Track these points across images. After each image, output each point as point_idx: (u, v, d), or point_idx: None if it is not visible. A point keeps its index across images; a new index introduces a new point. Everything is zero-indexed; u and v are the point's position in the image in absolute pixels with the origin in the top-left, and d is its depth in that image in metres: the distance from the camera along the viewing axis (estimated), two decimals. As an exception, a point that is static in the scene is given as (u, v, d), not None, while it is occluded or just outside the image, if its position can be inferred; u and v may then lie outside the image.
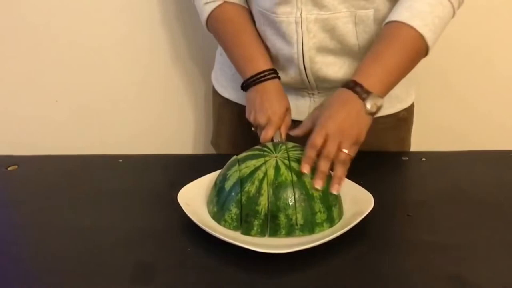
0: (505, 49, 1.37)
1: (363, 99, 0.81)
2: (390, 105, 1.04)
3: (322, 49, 0.95)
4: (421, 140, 1.17)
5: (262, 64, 0.95)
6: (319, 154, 0.78)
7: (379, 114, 0.84)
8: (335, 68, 0.97)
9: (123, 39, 1.33)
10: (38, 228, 0.82)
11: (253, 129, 0.96)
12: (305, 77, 0.99)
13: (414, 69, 0.90)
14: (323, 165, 0.77)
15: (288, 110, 0.94)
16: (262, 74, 0.94)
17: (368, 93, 0.81)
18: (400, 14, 0.86)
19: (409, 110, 1.12)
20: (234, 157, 0.82)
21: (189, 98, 1.43)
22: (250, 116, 0.95)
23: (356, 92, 0.81)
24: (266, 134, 0.90)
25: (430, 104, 1.21)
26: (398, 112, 1.07)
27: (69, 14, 1.29)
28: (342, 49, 0.96)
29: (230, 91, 1.13)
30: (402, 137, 1.13)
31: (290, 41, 0.94)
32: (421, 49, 0.87)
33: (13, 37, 1.31)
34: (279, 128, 0.92)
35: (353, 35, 0.94)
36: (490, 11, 1.31)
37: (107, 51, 1.34)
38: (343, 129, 0.79)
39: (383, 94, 0.84)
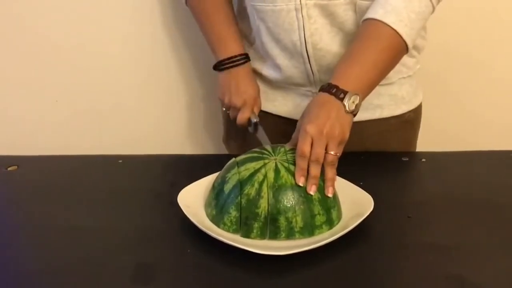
0: (505, 51, 1.37)
1: (341, 99, 0.81)
2: (396, 107, 1.04)
3: (324, 36, 0.95)
4: (421, 140, 1.17)
5: (235, 47, 1.02)
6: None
7: (384, 115, 0.84)
8: (339, 58, 0.97)
9: (124, 39, 1.33)
10: (38, 228, 0.82)
11: (224, 109, 1.07)
12: (308, 66, 0.98)
13: (422, 70, 0.89)
14: (314, 170, 0.76)
15: (259, 92, 1.04)
16: (235, 59, 1.01)
17: (344, 92, 0.81)
18: (375, 12, 0.85)
19: (416, 112, 1.11)
20: (233, 159, 0.82)
21: (198, 96, 1.43)
22: (225, 98, 1.03)
23: (332, 94, 0.82)
24: (243, 116, 1.01)
25: (431, 105, 1.21)
26: (404, 114, 1.06)
27: (70, 15, 1.29)
28: (345, 38, 0.95)
29: None
30: (408, 138, 1.12)
31: (291, 28, 0.94)
32: (399, 45, 0.86)
33: (13, 37, 1.30)
34: (252, 109, 1.02)
35: (353, 23, 0.93)
36: (492, 14, 1.31)
37: (108, 51, 1.34)
38: (326, 131, 0.78)
39: (362, 91, 0.83)
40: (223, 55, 1.02)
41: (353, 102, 0.81)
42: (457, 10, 1.25)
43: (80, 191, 0.93)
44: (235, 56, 1.01)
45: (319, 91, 0.85)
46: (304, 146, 0.77)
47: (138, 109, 1.41)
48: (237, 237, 0.75)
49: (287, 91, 1.06)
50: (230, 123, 1.21)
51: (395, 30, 0.84)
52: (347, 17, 0.93)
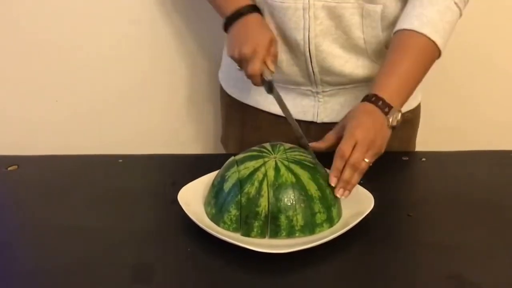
0: (505, 50, 1.37)
1: (386, 113, 0.83)
2: None
3: (328, 38, 0.95)
4: (422, 140, 1.17)
5: (242, 1, 0.95)
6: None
7: None
8: (341, 61, 0.97)
9: (125, 38, 1.33)
10: (38, 228, 0.82)
11: (237, 67, 0.95)
12: (310, 67, 0.98)
13: None
14: (348, 174, 0.77)
15: (273, 40, 0.92)
16: (242, 10, 0.94)
17: (389, 107, 0.83)
18: (410, 23, 0.87)
19: (415, 112, 1.11)
20: (232, 158, 0.82)
21: (197, 96, 1.43)
22: (235, 51, 0.91)
23: (378, 106, 0.83)
24: (253, 67, 0.88)
25: (432, 104, 1.21)
26: (403, 113, 1.07)
27: (69, 14, 1.29)
28: (348, 41, 0.96)
29: (237, 91, 1.13)
30: (407, 138, 1.13)
31: (296, 27, 0.94)
32: (433, 55, 0.89)
33: (13, 37, 1.30)
34: (265, 60, 0.90)
35: (358, 28, 0.94)
36: (495, 12, 1.31)
37: (109, 50, 1.34)
38: (370, 139, 0.79)
39: (401, 106, 0.86)
40: (230, 11, 0.95)
41: (396, 118, 0.83)
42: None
43: (80, 191, 0.93)
44: (242, 8, 0.94)
45: (364, 100, 0.85)
46: (347, 147, 0.78)
47: (138, 109, 1.41)
48: (237, 235, 0.75)
49: (287, 90, 1.06)
50: (228, 123, 1.21)
51: (433, 41, 0.86)
52: (353, 21, 0.93)
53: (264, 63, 0.90)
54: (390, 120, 0.83)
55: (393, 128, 0.84)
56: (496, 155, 1.05)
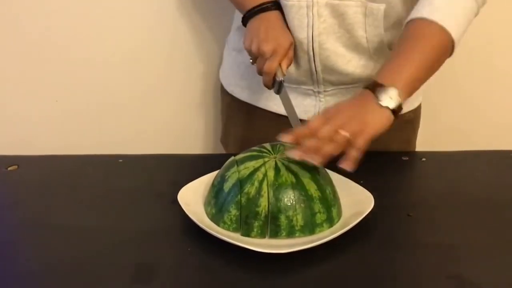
0: (505, 50, 1.37)
1: (374, 91, 0.77)
2: None
3: (331, 36, 0.95)
4: (422, 140, 1.17)
5: None
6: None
7: None
8: (344, 60, 0.97)
9: (125, 38, 1.33)
10: (38, 228, 0.82)
11: (251, 61, 0.95)
12: (313, 65, 0.98)
13: None
14: (309, 142, 0.72)
15: (292, 44, 0.93)
16: (265, 5, 0.93)
17: (380, 85, 0.77)
18: (419, 11, 0.84)
19: (416, 112, 1.11)
20: (232, 158, 0.82)
21: (197, 96, 1.43)
22: (252, 45, 0.91)
23: (370, 88, 0.78)
24: (271, 64, 0.89)
25: (432, 105, 1.21)
26: (404, 114, 1.06)
27: (70, 14, 1.29)
28: (350, 40, 0.95)
29: (238, 90, 1.13)
30: (407, 138, 1.13)
31: (300, 25, 0.94)
32: (445, 43, 0.83)
33: (13, 37, 1.31)
34: (281, 62, 0.91)
35: (361, 26, 0.94)
36: (496, 12, 1.31)
37: (108, 50, 1.34)
38: (345, 114, 0.75)
39: (404, 87, 0.78)
40: (252, 4, 0.94)
41: (390, 97, 0.76)
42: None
43: (80, 191, 0.93)
44: (264, 3, 0.93)
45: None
46: (317, 122, 0.73)
47: (138, 109, 1.41)
48: (237, 235, 0.75)
49: (288, 89, 1.05)
50: (228, 121, 1.21)
51: (442, 27, 0.81)
52: (356, 19, 0.93)
53: (279, 64, 0.91)
54: (381, 97, 0.76)
55: (392, 110, 0.76)
56: (496, 155, 1.05)
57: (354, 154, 0.72)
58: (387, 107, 0.76)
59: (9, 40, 1.31)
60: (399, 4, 0.94)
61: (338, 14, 0.93)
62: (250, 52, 0.94)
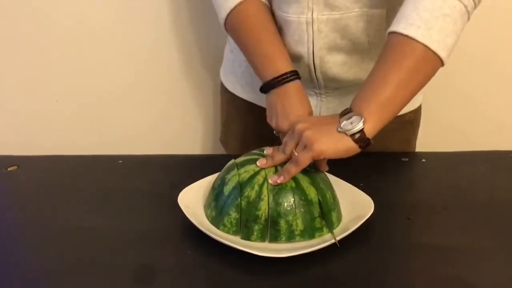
0: (506, 50, 1.36)
1: (340, 117, 0.77)
2: None
3: (333, 48, 0.94)
4: (422, 141, 1.17)
5: (282, 65, 0.90)
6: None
7: None
8: (345, 67, 0.96)
9: (124, 39, 1.33)
10: (38, 229, 0.82)
11: (275, 133, 0.93)
12: (313, 75, 0.98)
13: None
14: (277, 156, 0.78)
15: (311, 114, 0.91)
16: (283, 77, 0.89)
17: (346, 112, 0.77)
18: (399, 23, 0.78)
19: (416, 112, 1.11)
20: (232, 161, 0.82)
21: (196, 95, 1.42)
22: (272, 122, 0.91)
23: (340, 114, 0.78)
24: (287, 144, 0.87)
25: (432, 105, 1.21)
26: (405, 114, 1.06)
27: (70, 12, 1.29)
28: (353, 47, 0.95)
29: (239, 88, 1.12)
30: (407, 139, 1.12)
31: (300, 41, 0.94)
32: (426, 58, 0.77)
33: (13, 37, 1.30)
34: None
35: (364, 33, 0.92)
36: (496, 12, 1.31)
37: (109, 49, 1.34)
38: (299, 131, 0.77)
39: (374, 114, 0.76)
40: (269, 75, 0.90)
41: (351, 123, 0.75)
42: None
43: (80, 191, 0.93)
44: (283, 74, 0.89)
45: None
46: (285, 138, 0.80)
47: (138, 109, 1.41)
48: (237, 239, 0.75)
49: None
50: (228, 120, 1.21)
51: (422, 44, 0.75)
52: (359, 28, 0.92)
53: None
54: (342, 123, 0.75)
55: (349, 134, 0.75)
56: (496, 155, 1.04)
57: (291, 170, 0.75)
58: (344, 133, 0.75)
59: (9, 40, 1.31)
60: (397, 7, 0.93)
61: (340, 28, 0.91)
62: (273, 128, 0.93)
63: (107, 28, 1.32)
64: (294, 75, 0.90)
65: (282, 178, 0.75)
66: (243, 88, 1.12)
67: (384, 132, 0.97)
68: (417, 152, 1.12)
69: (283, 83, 0.89)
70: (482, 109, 1.42)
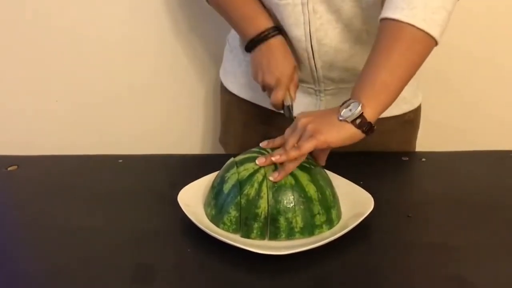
0: (506, 50, 1.36)
1: (340, 106, 0.78)
2: (397, 107, 1.03)
3: (330, 31, 0.94)
4: (422, 140, 1.17)
5: (263, 22, 0.94)
6: None
7: (385, 115, 0.81)
8: (344, 55, 0.96)
9: (125, 39, 1.33)
10: (38, 228, 0.82)
11: (262, 90, 0.98)
12: (312, 62, 0.97)
13: (422, 69, 0.86)
14: (275, 156, 0.77)
15: (295, 68, 0.94)
16: (264, 33, 0.93)
17: (347, 101, 0.78)
18: (390, 8, 0.80)
19: (416, 112, 1.11)
20: (231, 159, 0.82)
21: (196, 95, 1.43)
22: (258, 78, 0.95)
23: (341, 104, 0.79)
24: (276, 96, 0.92)
25: (432, 104, 1.21)
26: (404, 114, 1.06)
27: (70, 12, 1.29)
28: (350, 34, 0.94)
29: (238, 88, 1.12)
30: (407, 139, 1.13)
31: (296, 23, 0.94)
32: (421, 40, 0.78)
33: (13, 37, 1.31)
34: (288, 88, 0.93)
35: (360, 20, 0.92)
36: (495, 11, 1.31)
37: (109, 49, 1.34)
38: (302, 125, 0.78)
39: (373, 99, 0.78)
40: (252, 33, 0.94)
41: (350, 110, 0.76)
42: (457, 8, 1.25)
43: (80, 191, 0.93)
44: (264, 31, 0.93)
45: None
46: (286, 132, 0.79)
47: (138, 109, 1.41)
48: (237, 237, 0.75)
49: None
50: (228, 120, 1.21)
51: (414, 26, 0.77)
52: (353, 13, 0.92)
53: (288, 90, 0.93)
54: (341, 110, 0.77)
55: (349, 121, 0.76)
56: (496, 155, 1.05)
57: (291, 154, 0.75)
58: (345, 120, 0.77)
59: (10, 40, 1.31)
60: None
61: (335, 9, 0.92)
62: (258, 83, 0.97)
63: (108, 28, 1.32)
64: (275, 30, 0.94)
65: (282, 173, 0.75)
66: (242, 88, 1.12)
67: (384, 132, 0.98)
68: (417, 152, 1.12)
69: (265, 39, 0.93)
70: (482, 108, 1.42)
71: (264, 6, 0.97)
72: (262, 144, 0.82)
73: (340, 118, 0.77)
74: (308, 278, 0.68)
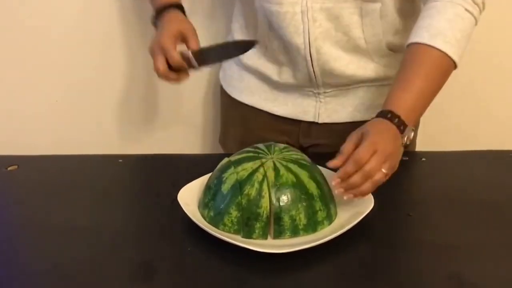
0: (506, 50, 1.36)
1: (401, 131, 0.80)
2: None
3: (328, 40, 0.95)
4: (422, 140, 1.17)
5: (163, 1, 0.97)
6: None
7: None
8: (342, 62, 0.97)
9: (125, 39, 1.33)
10: (38, 228, 0.82)
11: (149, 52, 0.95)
12: (311, 69, 0.98)
13: None
14: (358, 179, 0.73)
15: (182, 30, 0.93)
16: (162, 8, 0.97)
17: (404, 125, 0.80)
18: (420, 36, 0.85)
19: None
20: (226, 159, 0.82)
21: (196, 96, 1.42)
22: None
23: (395, 124, 0.79)
24: (156, 64, 0.91)
25: (432, 104, 1.21)
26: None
27: (70, 14, 1.29)
28: (349, 42, 0.95)
29: (237, 91, 1.13)
30: None
31: (296, 31, 0.94)
32: (447, 67, 0.86)
33: (13, 37, 1.30)
34: (185, 41, 0.93)
35: (358, 28, 0.93)
36: (496, 12, 1.31)
37: (110, 50, 1.34)
38: (390, 151, 0.76)
39: (414, 124, 0.83)
40: (156, 8, 0.99)
41: (409, 137, 0.81)
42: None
43: (80, 191, 0.93)
44: (162, 6, 0.97)
45: (378, 116, 0.82)
46: (365, 153, 0.73)
47: (138, 109, 1.41)
48: (237, 237, 0.75)
49: (287, 90, 1.06)
50: (227, 122, 1.21)
51: (444, 53, 0.83)
52: (352, 21, 0.93)
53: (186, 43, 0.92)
54: (405, 139, 0.81)
55: (405, 147, 0.82)
56: (496, 155, 1.05)
57: (367, 190, 0.75)
58: (404, 146, 0.82)
59: (9, 40, 1.31)
60: (393, 3, 0.93)
61: (334, 17, 0.92)
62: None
63: (108, 29, 1.32)
64: (170, 6, 0.96)
65: (350, 195, 0.75)
66: (241, 91, 1.12)
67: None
68: (417, 151, 1.12)
69: (163, 12, 0.96)
70: (482, 108, 1.42)
71: None
72: (329, 164, 0.76)
73: (403, 145, 0.81)
74: (307, 276, 0.68)
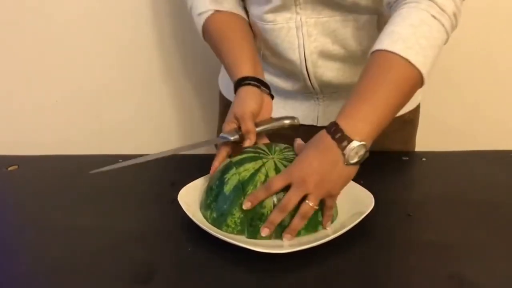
0: (506, 49, 1.37)
1: (343, 149, 0.72)
2: None
3: (325, 54, 0.95)
4: (422, 140, 1.17)
5: (242, 70, 0.91)
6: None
7: None
8: (339, 72, 0.97)
9: (126, 41, 1.33)
10: (38, 228, 0.82)
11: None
12: (309, 83, 0.98)
13: None
14: (273, 216, 0.71)
15: (246, 113, 0.86)
16: (240, 82, 0.90)
17: (349, 141, 0.72)
18: (381, 42, 0.77)
19: (415, 112, 1.11)
20: (228, 160, 0.82)
21: (197, 97, 1.43)
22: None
23: (335, 139, 0.72)
24: (224, 127, 0.87)
25: (432, 104, 1.21)
26: (404, 114, 1.06)
27: (70, 14, 1.29)
28: (346, 54, 0.95)
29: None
30: (407, 139, 1.13)
31: (291, 47, 0.94)
32: (411, 75, 0.76)
33: (13, 37, 1.31)
34: (245, 128, 0.85)
35: (355, 40, 0.93)
36: (495, 12, 1.31)
37: (109, 52, 1.34)
38: (310, 181, 0.71)
39: (370, 136, 0.74)
40: (234, 79, 0.92)
41: (356, 153, 0.72)
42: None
43: (80, 191, 0.93)
44: (240, 79, 0.90)
45: (326, 127, 0.75)
46: (277, 183, 0.71)
47: (138, 110, 1.41)
48: (240, 237, 0.74)
49: (286, 95, 1.06)
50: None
51: (406, 59, 0.74)
52: (348, 34, 0.92)
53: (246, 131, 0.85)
54: (348, 156, 0.72)
55: (355, 164, 0.74)
56: (496, 155, 1.05)
57: (296, 227, 0.72)
58: (352, 164, 0.74)
59: (9, 40, 1.31)
60: (388, 14, 0.93)
61: (329, 32, 0.92)
62: None
63: (108, 30, 1.32)
64: (248, 80, 0.89)
65: (289, 236, 0.72)
66: None
67: (384, 132, 0.98)
68: (417, 151, 1.12)
69: (240, 87, 0.89)
70: (482, 108, 1.42)
71: (251, 50, 0.93)
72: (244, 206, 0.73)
73: (350, 163, 0.73)
74: (308, 276, 0.68)
